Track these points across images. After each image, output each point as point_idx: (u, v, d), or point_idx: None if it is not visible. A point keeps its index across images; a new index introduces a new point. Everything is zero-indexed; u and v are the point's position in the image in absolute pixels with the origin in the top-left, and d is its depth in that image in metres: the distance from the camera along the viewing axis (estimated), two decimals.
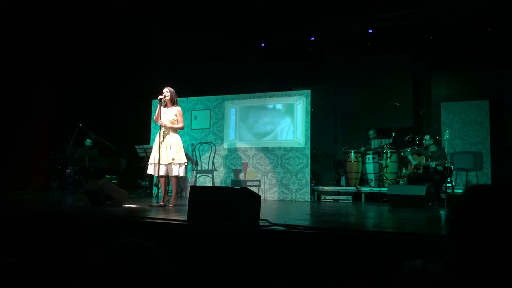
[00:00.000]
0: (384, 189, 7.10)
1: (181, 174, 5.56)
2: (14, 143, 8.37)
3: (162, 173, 5.42)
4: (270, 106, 8.10)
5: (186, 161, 5.64)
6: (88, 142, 9.01)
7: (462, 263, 0.96)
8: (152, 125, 8.49)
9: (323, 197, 7.79)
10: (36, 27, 8.33)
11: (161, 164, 5.40)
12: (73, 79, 9.34)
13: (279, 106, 8.02)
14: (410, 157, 6.91)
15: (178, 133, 5.63)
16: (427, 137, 6.79)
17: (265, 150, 7.93)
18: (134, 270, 0.94)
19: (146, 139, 8.66)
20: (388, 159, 7.90)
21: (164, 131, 5.50)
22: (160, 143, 5.43)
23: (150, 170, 5.58)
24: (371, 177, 8.13)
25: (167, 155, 5.42)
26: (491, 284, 0.91)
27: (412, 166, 6.78)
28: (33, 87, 8.82)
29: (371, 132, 8.98)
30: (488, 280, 0.92)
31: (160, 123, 5.47)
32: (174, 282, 1.00)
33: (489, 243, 0.93)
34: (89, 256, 0.98)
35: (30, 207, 4.71)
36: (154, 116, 5.70)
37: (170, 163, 5.42)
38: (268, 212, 4.47)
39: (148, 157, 7.51)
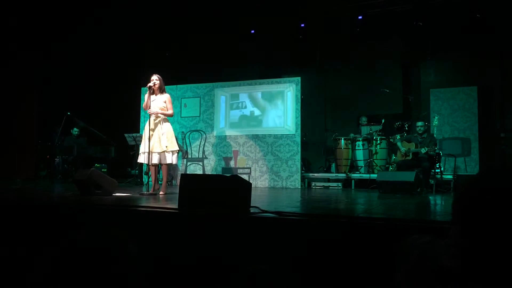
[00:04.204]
0: (374, 176, 7.16)
1: (174, 161, 5.55)
2: (1, 133, 8.26)
3: (155, 161, 5.39)
4: (260, 92, 8.07)
5: (178, 148, 5.63)
6: (75, 131, 8.91)
7: (468, 249, 0.93)
8: (142, 113, 8.43)
9: (313, 184, 7.83)
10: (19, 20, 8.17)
11: (154, 153, 5.37)
12: (60, 68, 9.19)
13: (268, 93, 8.00)
14: (399, 143, 6.95)
15: (169, 121, 5.59)
16: (420, 123, 6.80)
17: (256, 137, 7.92)
18: (102, 258, 0.93)
19: (135, 127, 8.60)
20: (378, 145, 7.95)
21: (154, 119, 5.45)
22: (150, 131, 5.39)
23: (142, 159, 5.55)
24: (361, 163, 8.19)
25: (160, 143, 5.38)
26: (497, 273, 0.89)
27: (402, 153, 6.83)
28: (20, 77, 8.68)
29: (363, 118, 9.02)
30: (494, 267, 0.90)
31: (150, 112, 5.43)
32: (143, 271, 1.00)
33: (496, 230, 0.91)
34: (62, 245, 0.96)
35: (18, 197, 4.67)
36: (144, 104, 5.64)
37: (164, 151, 5.39)
38: (259, 199, 4.48)
39: (138, 146, 7.45)
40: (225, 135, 8.15)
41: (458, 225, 0.97)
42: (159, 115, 5.44)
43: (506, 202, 0.90)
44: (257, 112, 8.05)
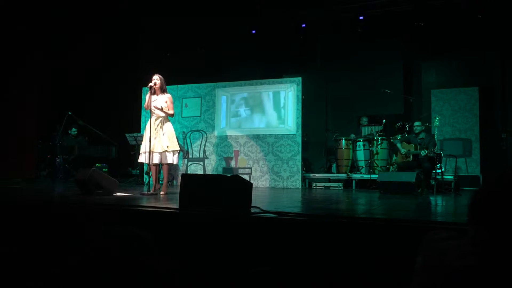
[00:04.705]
0: (374, 176, 7.15)
1: (175, 161, 5.56)
2: (2, 133, 8.26)
3: (156, 161, 5.40)
4: (260, 92, 8.07)
5: (179, 148, 5.63)
6: (73, 131, 8.92)
7: (487, 250, 0.92)
8: (143, 113, 8.43)
9: (314, 184, 7.83)
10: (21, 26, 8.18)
11: (155, 152, 5.37)
12: (61, 67, 9.19)
13: (270, 94, 8.00)
14: (399, 145, 6.93)
15: (170, 121, 5.59)
16: (418, 123, 6.81)
17: (256, 137, 7.92)
18: (127, 259, 0.93)
19: (136, 127, 8.60)
20: (379, 146, 7.94)
21: (155, 119, 5.46)
22: (152, 131, 5.40)
23: (142, 159, 5.55)
24: (361, 164, 8.18)
25: (160, 143, 5.39)
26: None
27: (403, 154, 6.82)
28: (21, 77, 8.68)
29: (364, 119, 9.01)
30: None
31: (155, 108, 5.43)
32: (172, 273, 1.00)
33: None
34: (80, 244, 0.96)
35: (20, 197, 4.67)
36: (145, 104, 5.65)
37: (165, 151, 5.39)
38: (259, 200, 4.48)
39: (138, 146, 7.45)
40: (226, 135, 8.15)
41: (481, 225, 0.95)
42: (161, 114, 5.45)
43: None
44: (258, 112, 8.05)
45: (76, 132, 8.93)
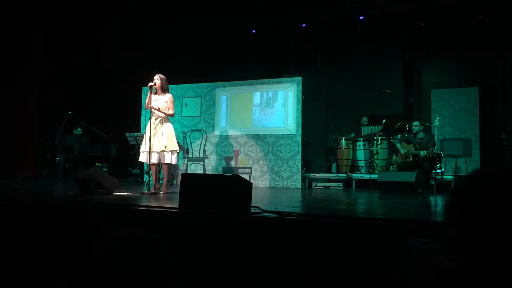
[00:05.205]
0: (374, 176, 7.15)
1: (174, 161, 5.55)
2: (2, 132, 8.26)
3: (154, 160, 5.41)
4: (260, 92, 8.07)
5: (178, 148, 5.62)
6: (78, 131, 8.93)
7: (471, 248, 0.94)
8: (143, 112, 8.43)
9: (314, 184, 7.83)
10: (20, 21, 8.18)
11: (153, 152, 5.38)
12: (61, 67, 9.19)
13: (269, 93, 8.00)
14: (398, 145, 6.93)
15: (170, 121, 5.59)
16: (416, 123, 6.82)
17: (256, 137, 7.92)
18: (138, 263, 0.93)
19: (136, 126, 8.60)
20: (379, 146, 7.94)
21: (155, 119, 5.46)
22: (151, 130, 5.40)
23: (142, 158, 5.57)
24: (361, 164, 8.18)
25: (159, 142, 5.39)
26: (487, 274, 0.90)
27: (403, 155, 6.82)
28: (21, 77, 8.68)
29: (364, 119, 9.01)
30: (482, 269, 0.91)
31: (153, 108, 5.44)
32: (179, 273, 0.99)
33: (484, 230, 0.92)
34: (84, 246, 0.95)
35: (20, 196, 4.67)
36: (145, 103, 5.65)
37: (163, 151, 5.40)
38: (259, 199, 4.48)
39: (138, 145, 7.46)
40: (226, 135, 8.15)
41: (456, 225, 0.97)
42: (160, 115, 5.45)
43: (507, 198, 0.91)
44: (257, 112, 8.04)
45: (81, 132, 8.95)
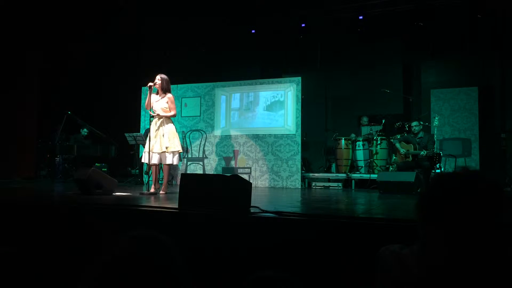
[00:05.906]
0: (374, 176, 7.15)
1: (175, 162, 5.55)
2: (1, 132, 8.25)
3: (154, 161, 5.41)
4: (260, 92, 8.07)
5: (180, 149, 5.60)
6: (84, 131, 8.94)
7: (427, 249, 1.00)
8: (142, 112, 8.43)
9: (313, 184, 7.83)
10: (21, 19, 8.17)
11: (154, 153, 5.38)
12: (61, 67, 9.19)
13: (268, 93, 8.00)
14: (398, 145, 6.93)
15: (172, 121, 5.58)
16: (415, 123, 6.82)
17: (256, 137, 7.92)
18: (153, 270, 0.92)
19: (136, 127, 8.60)
20: (378, 145, 7.94)
21: (157, 119, 5.46)
22: (153, 131, 5.41)
23: (144, 158, 5.58)
24: (361, 163, 8.18)
25: (160, 143, 5.39)
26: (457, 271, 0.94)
27: (402, 155, 6.82)
28: (21, 76, 8.67)
29: (364, 119, 9.02)
30: (453, 266, 0.94)
31: (152, 114, 5.45)
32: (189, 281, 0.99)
33: (451, 228, 0.97)
34: (90, 248, 0.95)
35: (19, 196, 4.67)
36: (145, 103, 5.65)
37: (164, 152, 5.39)
38: (259, 199, 4.48)
39: (138, 145, 7.46)
40: (226, 135, 8.15)
41: (435, 224, 1.01)
42: (161, 115, 5.45)
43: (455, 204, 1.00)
44: (257, 111, 8.04)
45: (86, 133, 8.96)
